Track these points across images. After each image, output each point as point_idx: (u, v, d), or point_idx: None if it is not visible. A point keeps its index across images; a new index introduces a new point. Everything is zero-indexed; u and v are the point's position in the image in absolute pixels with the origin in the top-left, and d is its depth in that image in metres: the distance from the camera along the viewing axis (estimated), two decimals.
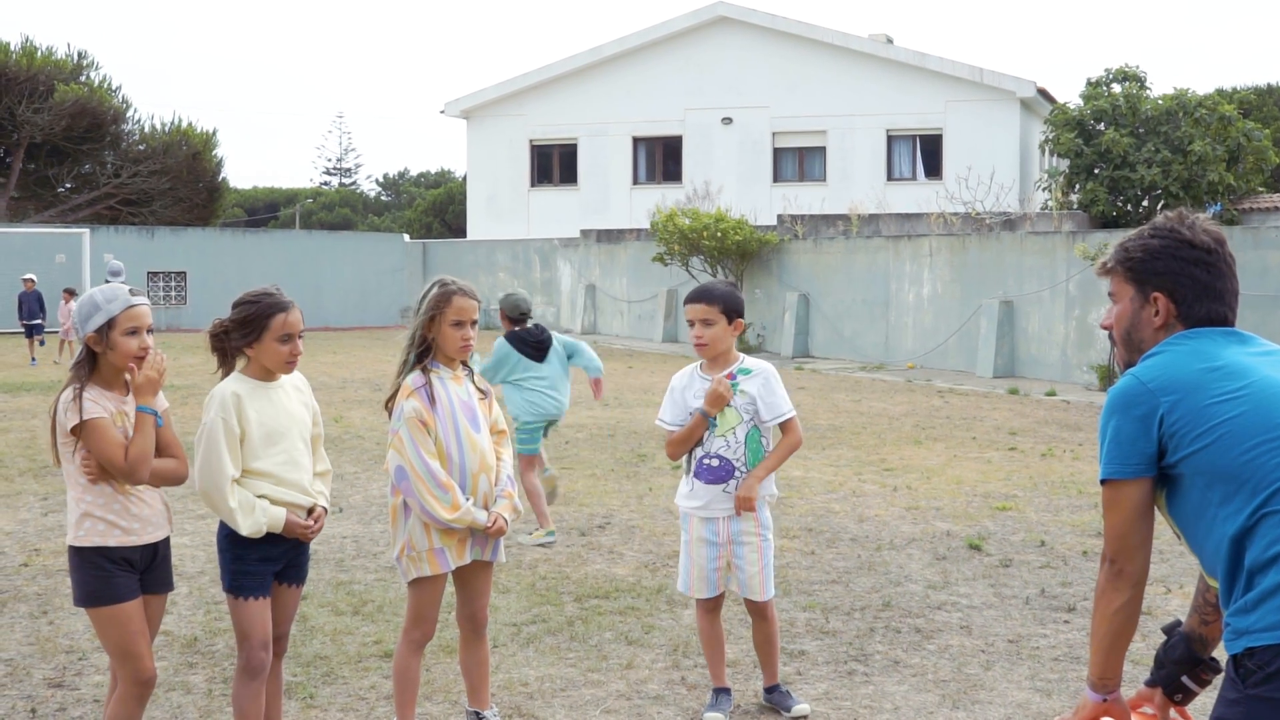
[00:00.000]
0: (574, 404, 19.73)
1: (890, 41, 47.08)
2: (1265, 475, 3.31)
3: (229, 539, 5.32)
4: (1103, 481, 3.57)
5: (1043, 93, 43.08)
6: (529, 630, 7.70)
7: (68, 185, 51.13)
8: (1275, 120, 44.24)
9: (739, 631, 7.52)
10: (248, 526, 5.22)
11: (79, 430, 4.97)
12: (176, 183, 50.97)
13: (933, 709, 6.39)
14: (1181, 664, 3.81)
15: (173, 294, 42.71)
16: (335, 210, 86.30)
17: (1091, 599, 3.68)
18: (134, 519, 5.09)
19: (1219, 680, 3.55)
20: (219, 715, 6.26)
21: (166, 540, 5.28)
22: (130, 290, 5.11)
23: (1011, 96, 42.89)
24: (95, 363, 5.08)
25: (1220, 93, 36.74)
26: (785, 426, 6.31)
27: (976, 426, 17.31)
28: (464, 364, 5.87)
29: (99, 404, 5.00)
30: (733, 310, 6.26)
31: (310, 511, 5.44)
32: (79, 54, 51.32)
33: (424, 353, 5.74)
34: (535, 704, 6.44)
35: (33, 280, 29.33)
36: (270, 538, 5.32)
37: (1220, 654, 3.63)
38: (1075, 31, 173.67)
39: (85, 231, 39.93)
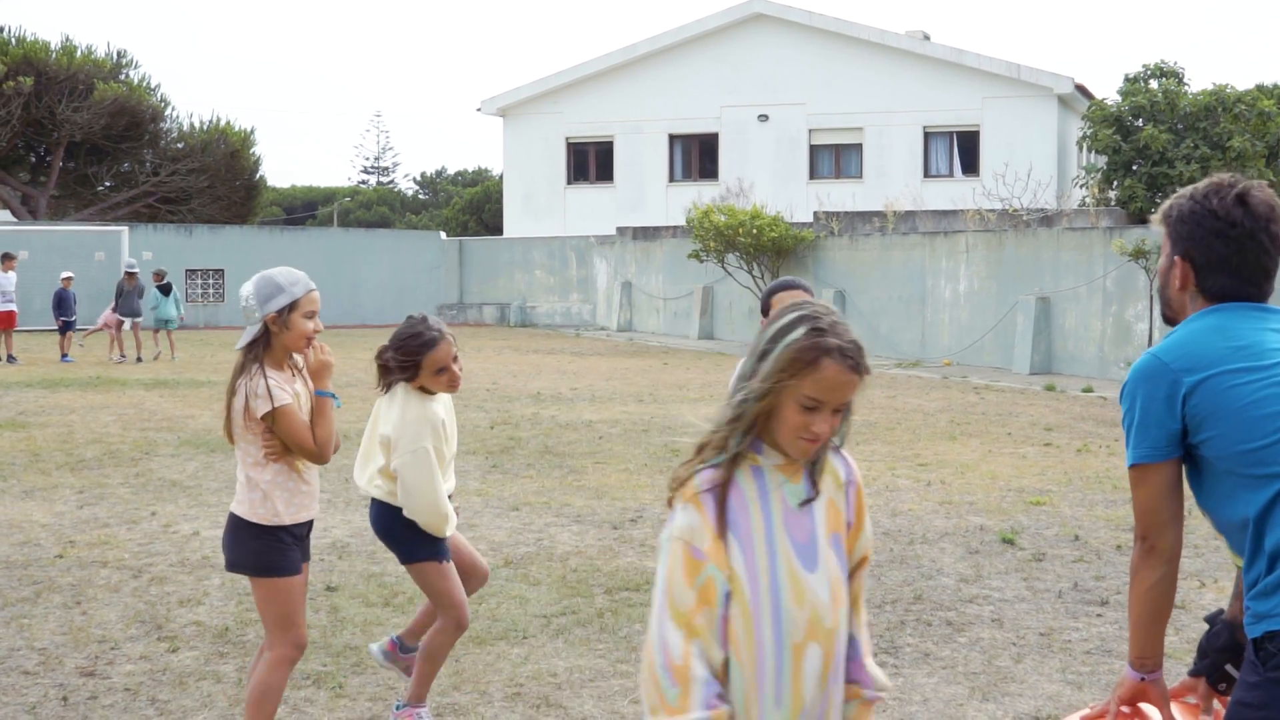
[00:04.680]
0: (607, 400, 19.76)
1: (927, 38, 46.93)
2: None
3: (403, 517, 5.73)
4: (1130, 466, 3.53)
5: (1080, 89, 42.88)
6: (559, 622, 7.70)
7: (107, 184, 51.44)
8: None
9: None
10: (450, 528, 5.77)
11: (269, 416, 5.13)
12: (215, 181, 51.24)
13: (963, 700, 6.37)
14: (1225, 652, 3.74)
15: (210, 292, 42.91)
16: (373, 209, 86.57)
17: (1125, 592, 3.64)
18: (305, 495, 5.32)
19: None
20: None
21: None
22: (304, 275, 5.29)
23: (1049, 93, 42.71)
24: (267, 344, 5.19)
25: (1260, 89, 36.41)
26: None
27: (1012, 422, 17.24)
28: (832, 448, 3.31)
29: (283, 389, 5.15)
30: None
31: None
32: (118, 53, 51.63)
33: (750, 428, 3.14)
34: (564, 694, 6.45)
35: (70, 278, 29.50)
36: None
37: None
38: (1113, 27, 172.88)
39: (124, 229, 40.22)
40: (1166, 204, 3.70)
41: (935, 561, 9.30)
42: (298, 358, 5.36)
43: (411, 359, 5.63)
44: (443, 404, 5.81)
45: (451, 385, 5.73)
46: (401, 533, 5.76)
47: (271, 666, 5.32)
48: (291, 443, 5.17)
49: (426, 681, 5.97)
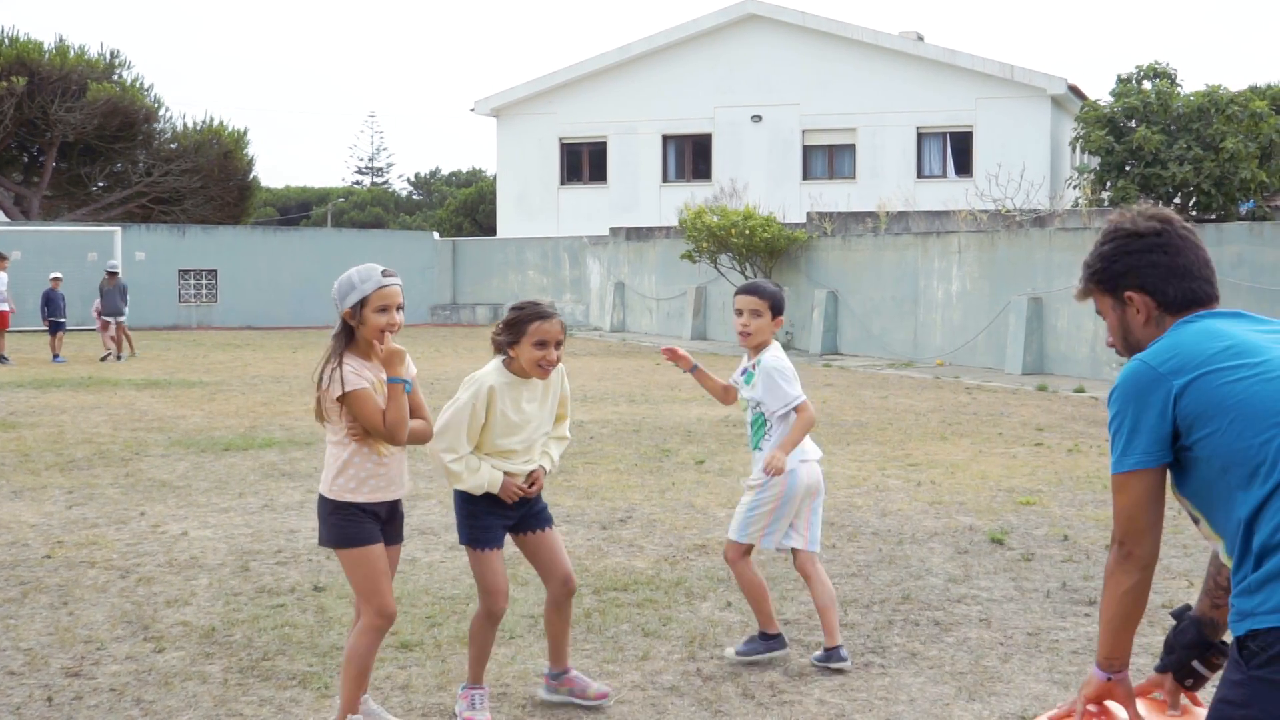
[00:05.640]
0: (599, 400, 19.76)
1: (921, 39, 47.01)
2: (1279, 459, 3.26)
3: (463, 497, 6.04)
4: (1116, 472, 3.54)
5: (1073, 90, 42.94)
6: None
7: (100, 184, 51.38)
8: None
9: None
10: (469, 484, 5.95)
11: (343, 399, 5.56)
12: (208, 181, 51.19)
13: (949, 700, 6.36)
14: (1192, 649, 3.78)
15: (203, 292, 42.88)
16: (367, 209, 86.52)
17: None
18: (381, 478, 5.68)
19: None
20: (234, 704, 6.27)
21: (400, 500, 5.89)
22: (383, 270, 5.65)
23: (1042, 93, 42.77)
24: (352, 335, 5.65)
25: (1253, 89, 36.46)
26: (796, 410, 6.82)
27: (1003, 422, 17.24)
28: None
29: (360, 374, 5.58)
30: (778, 308, 6.91)
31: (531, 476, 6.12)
32: (111, 53, 51.59)
33: None
34: None
35: (59, 279, 29.54)
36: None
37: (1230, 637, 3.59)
38: (1106, 28, 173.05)
39: (117, 230, 40.17)
40: (1083, 272, 3.77)
41: (924, 561, 9.29)
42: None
43: (519, 325, 5.93)
44: (533, 388, 6.06)
45: (544, 366, 5.96)
46: (457, 516, 6.15)
47: (360, 634, 5.70)
48: (365, 424, 5.57)
49: (475, 663, 6.16)
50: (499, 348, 6.03)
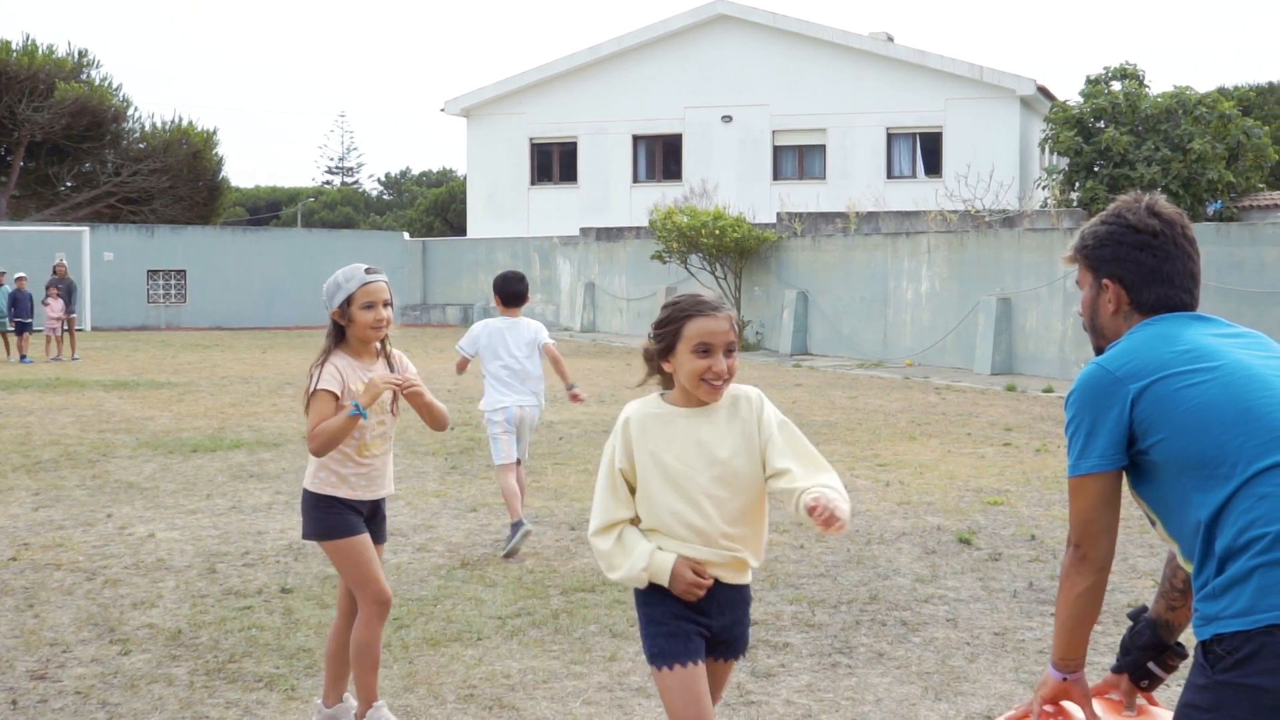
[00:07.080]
0: (568, 401, 19.71)
1: (890, 39, 47.10)
2: (1238, 461, 3.27)
3: (640, 594, 4.28)
4: (1072, 475, 3.55)
5: (1043, 90, 43.09)
6: (514, 623, 7.68)
7: (68, 184, 51.17)
8: (1275, 118, 44.23)
9: None
10: (621, 571, 4.21)
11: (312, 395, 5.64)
12: (177, 181, 51.02)
13: (915, 700, 6.38)
14: (1148, 650, 3.79)
15: (172, 293, 42.69)
16: (337, 209, 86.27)
17: None
18: (363, 476, 5.73)
19: (1185, 665, 3.53)
20: (200, 707, 6.25)
21: (384, 500, 5.91)
22: (365, 269, 5.73)
23: (1011, 94, 42.90)
24: (343, 335, 5.71)
25: (1220, 91, 36.71)
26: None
27: (972, 423, 17.30)
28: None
29: (337, 376, 5.63)
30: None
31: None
32: (80, 52, 51.42)
33: None
34: (516, 695, 6.43)
35: (24, 278, 29.43)
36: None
37: (1186, 639, 3.61)
38: (1075, 29, 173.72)
39: (85, 230, 40.01)
40: (1075, 238, 3.75)
41: (892, 562, 9.32)
42: (398, 353, 5.91)
43: (672, 325, 4.15)
44: (712, 421, 4.19)
45: (709, 381, 4.11)
46: (638, 618, 4.40)
47: (364, 626, 5.78)
48: (310, 421, 5.59)
49: None
50: (651, 363, 4.27)
